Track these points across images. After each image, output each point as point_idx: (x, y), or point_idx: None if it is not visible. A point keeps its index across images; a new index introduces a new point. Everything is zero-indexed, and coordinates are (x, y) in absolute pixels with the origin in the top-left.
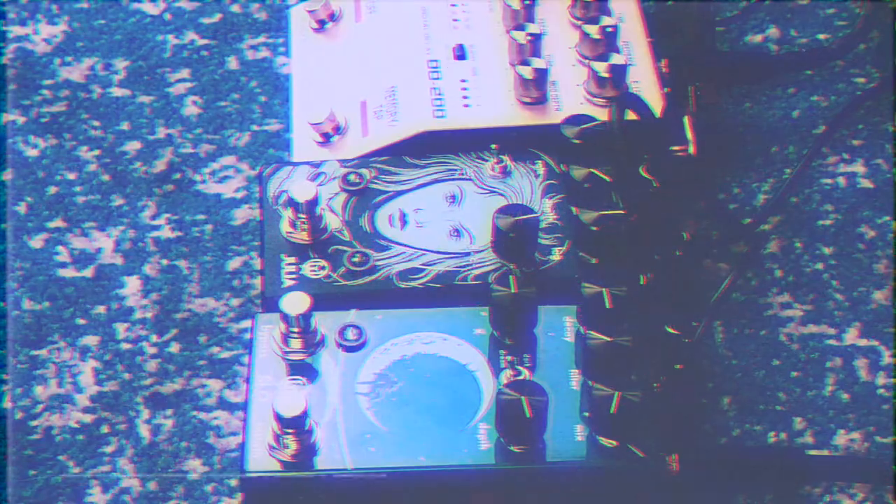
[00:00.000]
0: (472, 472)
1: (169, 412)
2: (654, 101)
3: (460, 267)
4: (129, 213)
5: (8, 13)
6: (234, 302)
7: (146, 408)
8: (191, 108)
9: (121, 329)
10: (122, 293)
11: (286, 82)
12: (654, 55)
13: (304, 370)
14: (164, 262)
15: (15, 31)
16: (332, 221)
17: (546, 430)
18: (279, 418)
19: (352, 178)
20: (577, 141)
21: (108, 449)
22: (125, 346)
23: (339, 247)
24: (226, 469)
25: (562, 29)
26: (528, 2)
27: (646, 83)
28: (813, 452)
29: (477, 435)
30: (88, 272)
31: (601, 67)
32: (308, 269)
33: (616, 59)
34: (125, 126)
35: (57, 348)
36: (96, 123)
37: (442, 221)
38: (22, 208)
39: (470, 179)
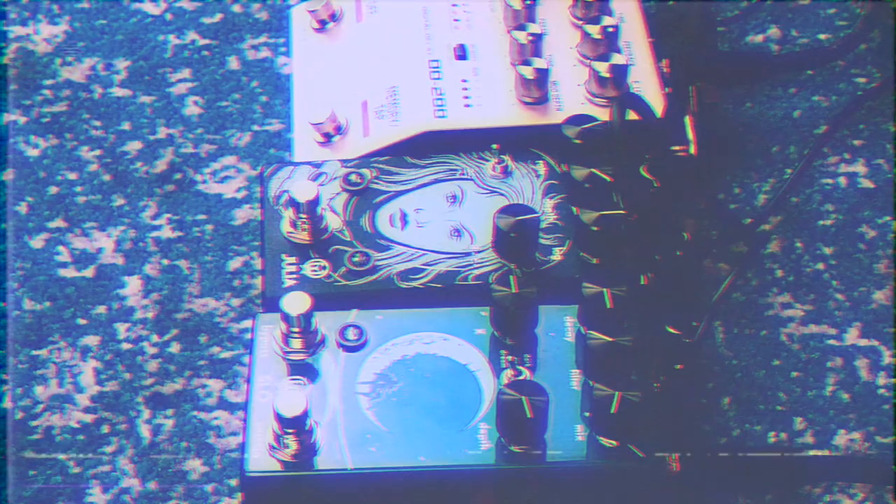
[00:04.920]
0: (472, 472)
1: (169, 412)
2: (655, 101)
3: (461, 267)
4: (129, 213)
5: (9, 13)
6: (235, 302)
7: (146, 408)
8: (192, 108)
9: (121, 329)
10: (122, 293)
11: (287, 82)
12: (654, 55)
13: (304, 370)
14: (165, 262)
15: (16, 30)
16: (333, 221)
17: (546, 430)
18: (280, 418)
19: (353, 178)
20: (577, 141)
21: (109, 449)
22: (126, 346)
23: (340, 247)
24: (226, 469)
25: (563, 29)
26: (529, 2)
27: (647, 83)
28: (813, 452)
29: (477, 435)
30: (89, 272)
31: (602, 67)
32: (309, 269)
33: (617, 59)
34: (126, 126)
35: (57, 348)
36: (97, 123)
37: (442, 221)
38: (22, 208)
39: (471, 179)
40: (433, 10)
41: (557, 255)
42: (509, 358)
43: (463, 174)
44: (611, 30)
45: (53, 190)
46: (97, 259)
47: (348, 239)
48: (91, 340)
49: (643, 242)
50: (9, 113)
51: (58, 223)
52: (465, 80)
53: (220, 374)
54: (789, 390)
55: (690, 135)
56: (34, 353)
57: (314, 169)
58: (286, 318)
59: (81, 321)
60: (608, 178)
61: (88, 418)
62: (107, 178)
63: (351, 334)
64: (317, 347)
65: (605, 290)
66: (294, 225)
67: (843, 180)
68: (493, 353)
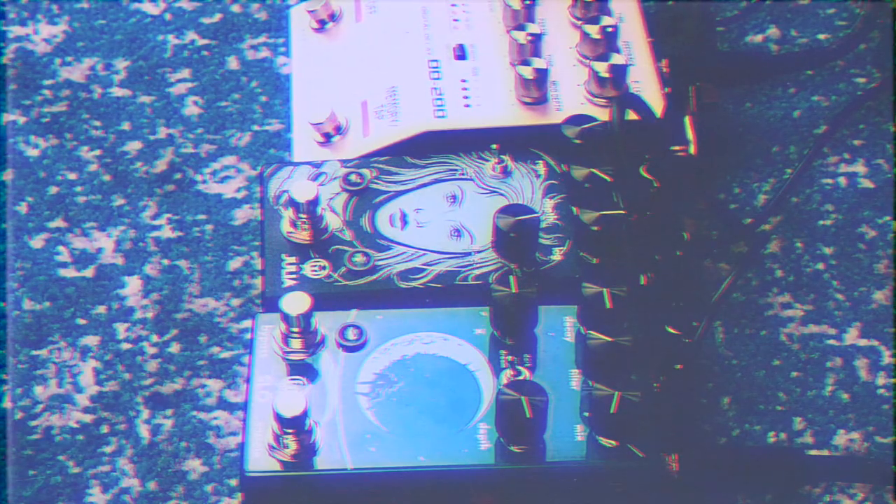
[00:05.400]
0: (472, 472)
1: (169, 412)
2: (655, 101)
3: (461, 267)
4: (129, 213)
5: (8, 13)
6: (235, 302)
7: (146, 408)
8: (191, 108)
9: (121, 329)
10: (122, 293)
11: (287, 82)
12: (654, 55)
13: (304, 370)
14: (165, 262)
15: (15, 31)
16: (333, 221)
17: (546, 430)
18: (279, 418)
19: (352, 178)
20: (577, 141)
21: (108, 449)
22: (125, 346)
23: (340, 247)
24: (226, 469)
25: (562, 29)
26: (528, 2)
27: (646, 83)
28: (813, 452)
29: (477, 435)
30: (89, 272)
31: (601, 67)
32: (309, 269)
33: (616, 59)
34: (126, 126)
35: (57, 348)
36: (97, 123)
37: (442, 221)
38: (22, 208)
39: (470, 179)
40: (432, 10)
41: (557, 255)
42: (509, 358)
43: (462, 174)
44: (610, 30)
45: (53, 190)
46: (97, 259)
47: (348, 239)
48: (91, 340)
49: (643, 242)
50: (8, 113)
51: (58, 223)
52: (464, 80)
53: (220, 374)
54: (789, 390)
55: (690, 135)
56: (34, 353)
57: (314, 169)
58: (286, 318)
59: (81, 321)
60: (607, 178)
61: (88, 418)
62: (107, 178)
63: (351, 334)
64: (317, 347)
65: (604, 290)
66: (294, 225)
67: (842, 180)
68: (493, 353)
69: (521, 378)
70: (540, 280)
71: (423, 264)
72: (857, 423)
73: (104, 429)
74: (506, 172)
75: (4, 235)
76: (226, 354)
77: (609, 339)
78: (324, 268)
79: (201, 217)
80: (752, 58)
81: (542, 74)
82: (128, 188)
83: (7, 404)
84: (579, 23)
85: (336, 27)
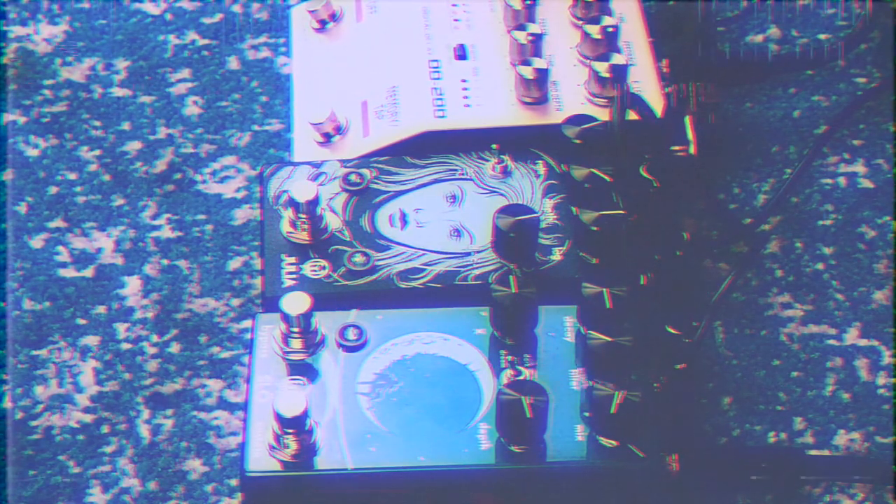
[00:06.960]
0: (472, 472)
1: (169, 412)
2: (655, 101)
3: (461, 267)
4: (129, 213)
5: (8, 13)
6: (235, 302)
7: (146, 408)
8: (191, 108)
9: (121, 329)
10: (122, 293)
11: (287, 82)
12: (654, 55)
13: (304, 370)
14: (165, 262)
15: (16, 30)
16: (333, 221)
17: (546, 430)
18: (279, 418)
19: (352, 178)
20: (577, 141)
21: (108, 449)
22: (125, 346)
23: (340, 247)
24: (226, 469)
25: (563, 29)
26: (529, 2)
27: (646, 83)
28: (813, 452)
29: (477, 435)
30: (89, 272)
31: (602, 67)
32: (308, 269)
33: (617, 59)
34: (126, 126)
35: (57, 348)
36: (97, 123)
37: (442, 221)
38: (22, 208)
39: (470, 179)
40: (433, 10)
41: (557, 255)
42: (509, 358)
43: (462, 174)
44: (611, 30)
45: (53, 190)
46: (97, 259)
47: (348, 239)
48: (91, 340)
49: (643, 242)
50: (9, 113)
51: (58, 223)
52: (464, 80)
53: (220, 374)
54: (789, 390)
55: (690, 135)
56: (34, 353)
57: (314, 169)
58: (286, 318)
59: (81, 321)
60: (608, 178)
61: (88, 418)
62: (107, 178)
63: (351, 334)
64: (317, 347)
65: (604, 290)
66: (294, 225)
67: (842, 180)
68: (493, 353)
69: (521, 378)
70: (540, 280)
71: (423, 264)
72: (857, 423)
73: (104, 429)
74: (506, 172)
75: (4, 235)
76: (226, 354)
77: (609, 339)
78: (324, 268)
79: (201, 217)
80: (752, 58)
81: (542, 74)
82: (128, 188)
83: (7, 404)
84: (580, 23)
85: (336, 27)
